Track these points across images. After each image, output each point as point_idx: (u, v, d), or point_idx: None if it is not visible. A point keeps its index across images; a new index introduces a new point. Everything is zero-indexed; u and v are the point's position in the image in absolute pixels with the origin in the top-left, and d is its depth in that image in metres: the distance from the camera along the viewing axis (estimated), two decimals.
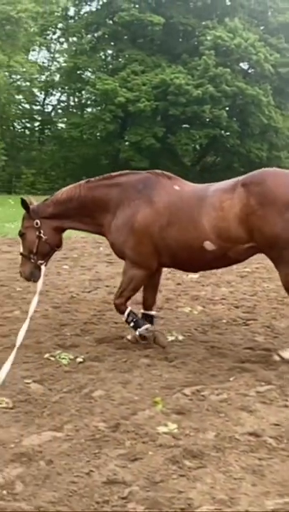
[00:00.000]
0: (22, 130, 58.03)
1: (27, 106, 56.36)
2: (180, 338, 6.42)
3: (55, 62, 58.95)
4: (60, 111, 59.52)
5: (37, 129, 58.58)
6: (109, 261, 12.13)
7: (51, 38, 57.15)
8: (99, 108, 53.28)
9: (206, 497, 3.18)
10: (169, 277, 10.45)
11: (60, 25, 56.07)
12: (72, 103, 59.92)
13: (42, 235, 6.18)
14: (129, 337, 6.26)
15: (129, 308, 6.11)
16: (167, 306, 8.09)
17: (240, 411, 4.37)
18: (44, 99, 57.98)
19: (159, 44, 54.15)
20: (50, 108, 59.05)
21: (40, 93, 56.92)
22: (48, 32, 55.66)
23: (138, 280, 6.06)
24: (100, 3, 54.75)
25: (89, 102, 56.94)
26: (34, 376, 5.05)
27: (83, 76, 55.10)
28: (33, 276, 6.36)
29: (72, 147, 51.88)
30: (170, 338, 6.37)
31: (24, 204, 6.26)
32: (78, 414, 4.27)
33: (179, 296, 8.88)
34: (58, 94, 59.07)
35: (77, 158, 51.50)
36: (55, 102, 59.28)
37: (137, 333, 6.07)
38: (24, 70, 44.45)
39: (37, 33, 46.67)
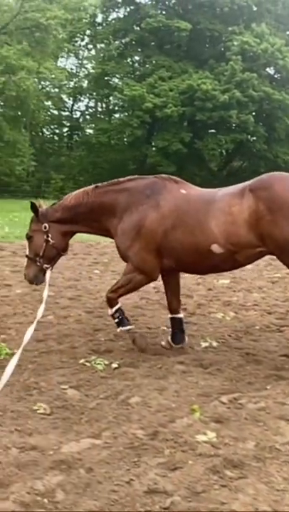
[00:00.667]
0: (51, 136, 58.40)
1: (55, 112, 56.73)
2: (214, 344, 6.35)
3: (83, 69, 59.33)
4: (88, 117, 59.77)
5: (65, 134, 58.87)
6: None
7: (79, 45, 57.44)
8: (126, 114, 53.34)
9: (249, 508, 3.12)
10: (200, 282, 10.38)
11: (88, 32, 56.34)
12: (99, 109, 60.16)
13: (50, 238, 6.16)
14: (163, 343, 6.21)
15: (119, 305, 6.14)
16: (199, 311, 8.01)
17: (278, 420, 4.29)
18: (72, 105, 58.36)
19: (185, 50, 54.10)
20: (78, 114, 59.44)
21: (69, 99, 57.29)
22: (77, 39, 55.96)
23: (136, 284, 6.11)
24: (128, 9, 54.88)
25: (116, 108, 57.07)
26: (70, 382, 5.01)
27: (111, 82, 55.25)
28: (36, 280, 6.36)
29: (100, 152, 52.02)
30: (204, 345, 6.31)
31: (33, 207, 6.24)
32: (116, 421, 4.22)
33: (211, 301, 8.80)
34: (86, 100, 59.41)
35: (105, 164, 51.61)
36: (83, 108, 59.64)
37: (118, 330, 6.13)
38: (53, 76, 44.76)
39: (66, 40, 46.89)
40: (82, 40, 57.30)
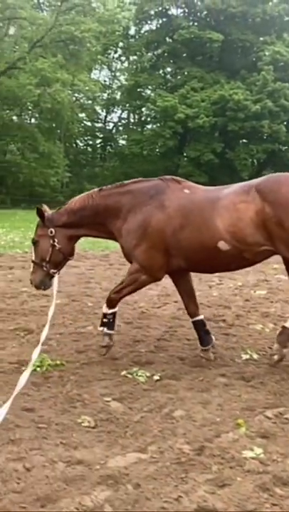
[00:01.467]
0: (84, 147, 58.80)
1: (89, 123, 57.13)
2: (255, 356, 6.22)
3: (115, 81, 59.68)
4: (120, 128, 60.05)
5: (99, 145, 59.22)
6: None
7: (112, 57, 57.84)
8: (158, 124, 53.42)
9: None
10: (237, 293, 10.25)
11: (121, 44, 56.71)
12: (132, 120, 60.40)
13: (56, 243, 6.11)
14: (202, 354, 6.13)
15: (116, 309, 6.11)
16: (238, 323, 7.89)
17: None
18: (106, 116, 58.73)
19: (217, 60, 54.07)
20: (111, 125, 59.76)
21: (102, 111, 57.66)
22: (110, 51, 56.36)
23: (140, 284, 6.01)
24: (160, 21, 55.13)
25: (149, 119, 57.21)
26: (113, 394, 4.95)
27: (143, 94, 55.46)
28: (43, 285, 6.29)
29: (133, 163, 52.15)
30: (244, 357, 6.18)
31: (39, 212, 6.19)
32: (161, 435, 4.15)
33: (249, 312, 8.66)
34: (119, 111, 59.74)
35: (138, 174, 51.43)
36: (116, 120, 59.94)
37: (100, 329, 6.08)
38: (87, 88, 45.08)
39: (99, 52, 47.20)
40: (116, 52, 57.70)
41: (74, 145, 55.58)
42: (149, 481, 3.48)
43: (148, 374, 5.49)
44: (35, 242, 6.26)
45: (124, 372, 5.51)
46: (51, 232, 6.09)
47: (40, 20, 38.20)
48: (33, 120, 46.73)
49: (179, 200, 5.80)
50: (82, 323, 7.62)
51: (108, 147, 59.44)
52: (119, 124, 60.36)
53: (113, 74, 59.76)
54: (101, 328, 6.08)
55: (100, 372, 5.57)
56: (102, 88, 52.26)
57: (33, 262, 6.29)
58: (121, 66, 59.57)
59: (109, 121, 59.56)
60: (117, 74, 59.75)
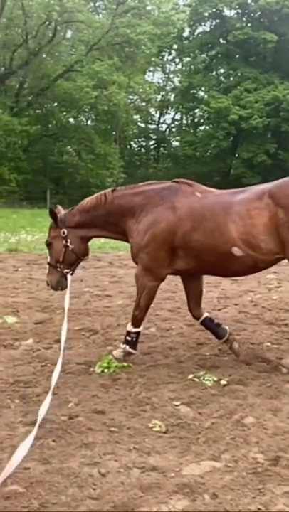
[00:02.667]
0: (138, 149, 58.90)
1: (143, 125, 57.18)
2: None
3: (169, 82, 59.52)
4: (174, 129, 59.89)
5: (152, 147, 59.23)
6: (232, 278, 11.80)
7: (166, 59, 57.70)
8: (211, 126, 53.00)
9: None
10: None
11: (174, 46, 56.50)
12: (185, 121, 60.14)
13: (69, 244, 6.03)
14: (229, 347, 6.11)
15: (141, 328, 5.98)
16: None
17: None
18: (159, 118, 58.66)
19: (271, 61, 53.14)
20: (164, 127, 59.65)
21: (156, 112, 57.62)
22: (164, 53, 56.23)
23: (150, 290, 5.90)
24: (214, 23, 54.68)
25: (202, 120, 56.83)
26: (182, 398, 4.85)
27: (197, 95, 55.14)
28: (60, 286, 6.20)
29: (186, 164, 51.93)
30: None
31: (52, 213, 6.12)
32: (234, 443, 4.02)
33: None
34: (172, 113, 59.55)
35: (191, 176, 51.12)
36: (169, 121, 59.81)
37: (123, 346, 5.87)
38: (141, 90, 45.07)
39: (154, 54, 47.11)
40: (170, 54, 57.53)
41: (128, 146, 55.73)
42: (226, 491, 3.36)
43: (215, 378, 5.34)
44: (48, 244, 6.22)
45: (190, 376, 5.38)
46: (63, 233, 6.04)
47: (96, 24, 38.44)
48: (89, 122, 47.16)
49: (190, 203, 5.73)
50: (145, 325, 7.47)
51: (161, 148, 59.35)
52: (172, 125, 60.20)
53: (166, 76, 59.63)
54: (123, 346, 5.91)
55: (167, 375, 5.47)
56: (157, 90, 52.16)
57: (48, 263, 6.25)
58: (174, 68, 59.37)
59: (162, 123, 59.51)
60: (171, 76, 59.58)
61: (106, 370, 5.49)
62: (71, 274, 6.18)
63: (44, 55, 39.30)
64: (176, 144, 57.86)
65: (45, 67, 39.34)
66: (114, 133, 46.59)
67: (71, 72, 39.02)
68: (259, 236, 5.38)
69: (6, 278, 10.91)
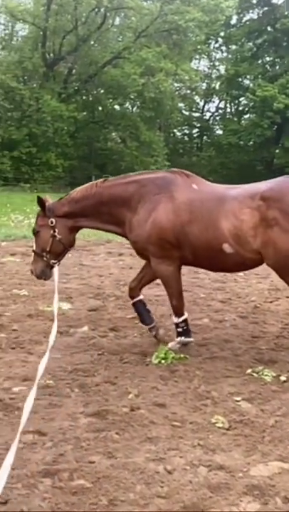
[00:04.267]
0: (182, 136, 58.41)
1: (186, 113, 56.62)
2: None
3: (214, 70, 58.70)
4: (217, 118, 59.16)
5: (195, 135, 58.67)
6: None
7: (213, 47, 56.88)
8: (255, 114, 52.15)
9: None
10: None
11: (222, 34, 55.62)
12: (229, 110, 59.31)
13: (56, 233, 5.87)
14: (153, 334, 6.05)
15: (186, 315, 5.89)
16: None
17: None
18: (203, 106, 57.98)
19: None
20: (208, 115, 58.97)
21: (200, 100, 56.97)
22: (210, 40, 55.43)
23: (171, 274, 5.79)
24: (262, 10, 53.57)
25: (246, 109, 55.98)
26: (242, 393, 4.69)
27: (242, 83, 54.26)
28: (44, 275, 6.07)
29: (229, 153, 51.28)
30: None
31: (40, 202, 5.95)
32: None
33: None
34: (217, 101, 58.79)
35: (233, 164, 50.81)
36: (213, 109, 59.08)
37: (179, 339, 5.79)
38: (187, 77, 44.54)
39: (201, 42, 46.41)
40: (216, 41, 56.69)
41: (172, 134, 55.32)
42: None
43: (274, 374, 5.17)
44: (36, 233, 6.06)
45: (249, 371, 5.21)
46: (52, 223, 5.89)
47: (145, 10, 38.05)
48: (134, 109, 46.91)
49: (188, 194, 5.62)
50: (198, 315, 7.38)
51: (204, 137, 58.73)
52: (216, 113, 59.45)
53: (212, 63, 58.80)
54: (179, 339, 5.81)
55: (224, 368, 5.32)
56: (202, 78, 51.53)
57: (33, 252, 6.11)
58: (220, 56, 58.49)
59: (206, 111, 58.81)
60: (216, 63, 58.72)
61: (163, 361, 5.36)
62: (57, 265, 6.09)
63: (92, 42, 39.12)
64: (219, 132, 57.18)
65: (93, 54, 39.19)
66: (158, 120, 46.26)
67: (119, 59, 38.76)
68: (248, 234, 5.31)
69: None
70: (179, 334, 5.82)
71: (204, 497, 3.14)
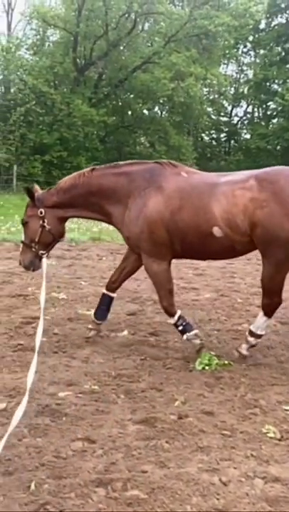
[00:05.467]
0: (210, 141, 58.12)
1: (214, 117, 56.31)
2: None
3: (242, 75, 58.31)
4: (245, 122, 58.74)
5: (223, 139, 58.33)
6: None
7: (241, 51, 56.52)
8: (284, 119, 51.63)
9: None
10: None
11: (250, 38, 55.25)
12: (257, 114, 58.84)
13: (46, 224, 5.78)
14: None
15: (179, 312, 5.74)
16: None
17: None
18: (231, 110, 57.62)
19: None
20: (236, 119, 58.57)
21: (229, 105, 56.63)
22: (239, 45, 55.08)
23: (162, 273, 5.66)
24: None
25: (275, 113, 55.47)
26: None
27: (270, 88, 53.79)
28: (32, 266, 5.97)
29: (258, 157, 50.72)
30: None
31: (29, 192, 5.85)
32: None
33: None
34: (245, 105, 58.36)
35: (262, 168, 50.31)
36: (240, 114, 58.66)
37: (185, 337, 5.69)
38: (215, 82, 44.26)
39: (229, 46, 46.13)
40: (245, 46, 56.32)
41: (199, 139, 55.05)
42: None
43: None
44: (24, 223, 5.97)
45: None
46: (41, 213, 5.80)
47: (175, 15, 37.93)
48: (163, 113, 46.78)
49: (177, 183, 5.53)
50: (237, 320, 7.24)
51: (232, 141, 58.36)
52: (244, 118, 59.02)
53: (240, 68, 58.42)
54: (185, 337, 5.71)
55: (270, 375, 5.17)
56: (232, 82, 51.24)
57: (22, 242, 6.04)
58: (249, 60, 58.08)
59: (234, 116, 58.41)
60: (244, 68, 58.32)
61: (207, 368, 5.23)
62: (47, 257, 6.02)
63: (122, 47, 39.13)
64: (247, 136, 56.75)
65: (122, 59, 39.19)
66: (187, 125, 46.08)
67: (149, 63, 38.68)
68: (238, 215, 5.23)
69: (93, 267, 10.80)
70: (182, 332, 5.73)
71: (263, 511, 3.01)
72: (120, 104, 42.99)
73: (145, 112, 44.06)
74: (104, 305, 6.15)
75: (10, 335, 6.04)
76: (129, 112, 42.54)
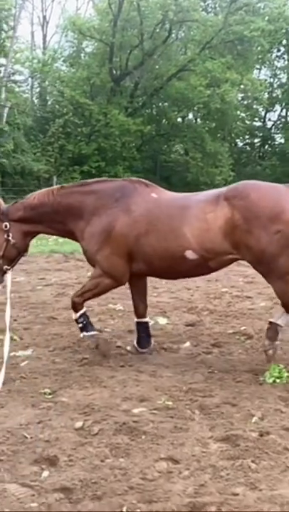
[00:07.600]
0: (244, 146, 57.64)
1: (248, 122, 55.83)
2: None
3: (276, 79, 57.68)
4: (280, 126, 58.06)
5: (257, 144, 57.78)
6: None
7: (275, 56, 55.94)
8: None
9: None
10: None
11: (284, 42, 54.65)
12: None
13: (11, 238, 5.65)
14: (128, 347, 5.90)
15: (84, 309, 5.77)
16: None
17: None
18: (265, 115, 57.06)
19: None
20: (269, 124, 57.93)
21: (262, 110, 56.10)
22: (272, 49, 54.52)
23: (103, 288, 5.70)
24: None
25: None
26: None
27: None
28: None
29: None
30: None
31: None
32: None
33: None
34: (279, 109, 57.72)
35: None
36: (274, 118, 58.01)
37: (81, 335, 5.79)
38: (248, 87, 43.85)
39: (264, 51, 45.66)
40: (279, 50, 55.73)
41: (233, 144, 54.59)
42: None
43: None
44: None
45: None
46: (6, 227, 5.67)
47: (210, 22, 37.71)
48: (198, 120, 46.50)
49: (146, 205, 5.40)
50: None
51: (266, 146, 57.74)
52: (278, 122, 58.35)
53: (274, 72, 57.81)
54: (82, 335, 5.73)
55: None
56: (267, 87, 50.72)
57: None
58: (282, 64, 57.41)
59: (268, 120, 57.80)
60: (278, 72, 57.68)
61: (278, 380, 5.06)
62: (11, 271, 5.87)
63: (156, 56, 39.10)
64: (281, 141, 56.09)
65: (158, 68, 39.14)
66: (222, 131, 45.75)
67: (184, 71, 38.51)
68: (214, 239, 5.17)
69: None
70: (81, 330, 5.74)
71: None
72: (155, 112, 42.94)
73: (179, 119, 43.87)
74: (144, 333, 6.03)
75: (74, 349, 5.97)
76: (165, 120, 42.38)
